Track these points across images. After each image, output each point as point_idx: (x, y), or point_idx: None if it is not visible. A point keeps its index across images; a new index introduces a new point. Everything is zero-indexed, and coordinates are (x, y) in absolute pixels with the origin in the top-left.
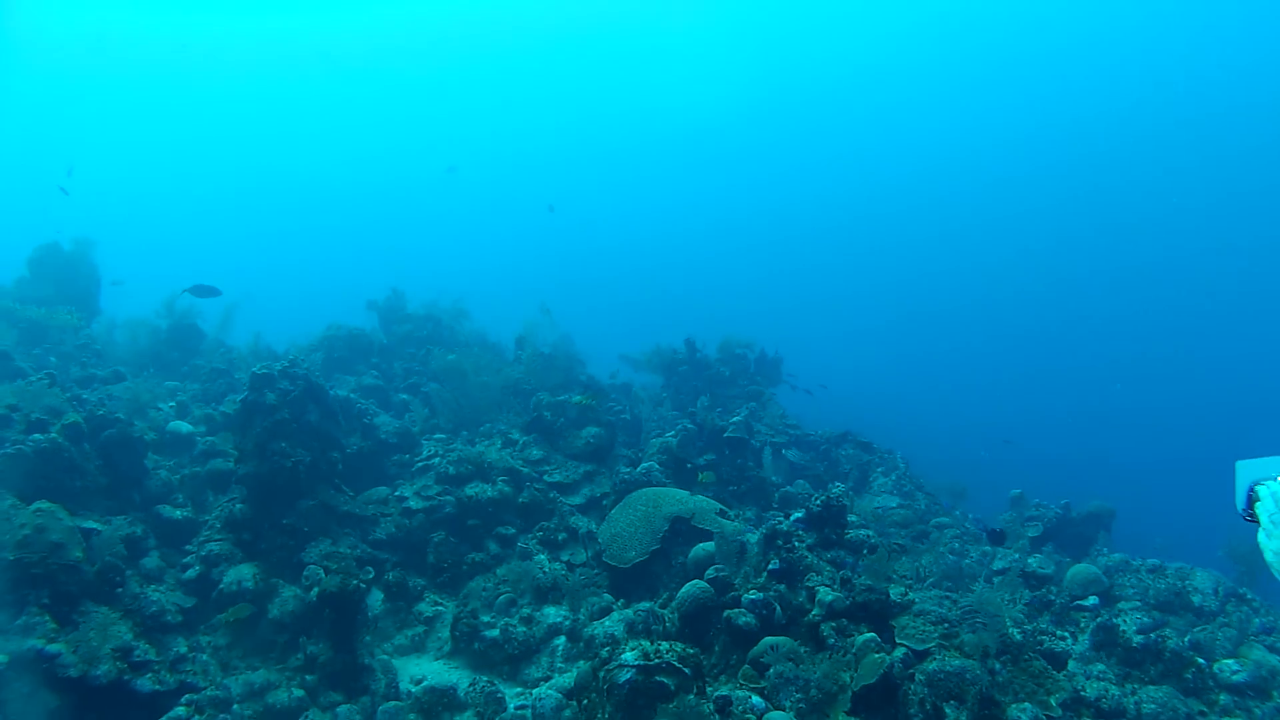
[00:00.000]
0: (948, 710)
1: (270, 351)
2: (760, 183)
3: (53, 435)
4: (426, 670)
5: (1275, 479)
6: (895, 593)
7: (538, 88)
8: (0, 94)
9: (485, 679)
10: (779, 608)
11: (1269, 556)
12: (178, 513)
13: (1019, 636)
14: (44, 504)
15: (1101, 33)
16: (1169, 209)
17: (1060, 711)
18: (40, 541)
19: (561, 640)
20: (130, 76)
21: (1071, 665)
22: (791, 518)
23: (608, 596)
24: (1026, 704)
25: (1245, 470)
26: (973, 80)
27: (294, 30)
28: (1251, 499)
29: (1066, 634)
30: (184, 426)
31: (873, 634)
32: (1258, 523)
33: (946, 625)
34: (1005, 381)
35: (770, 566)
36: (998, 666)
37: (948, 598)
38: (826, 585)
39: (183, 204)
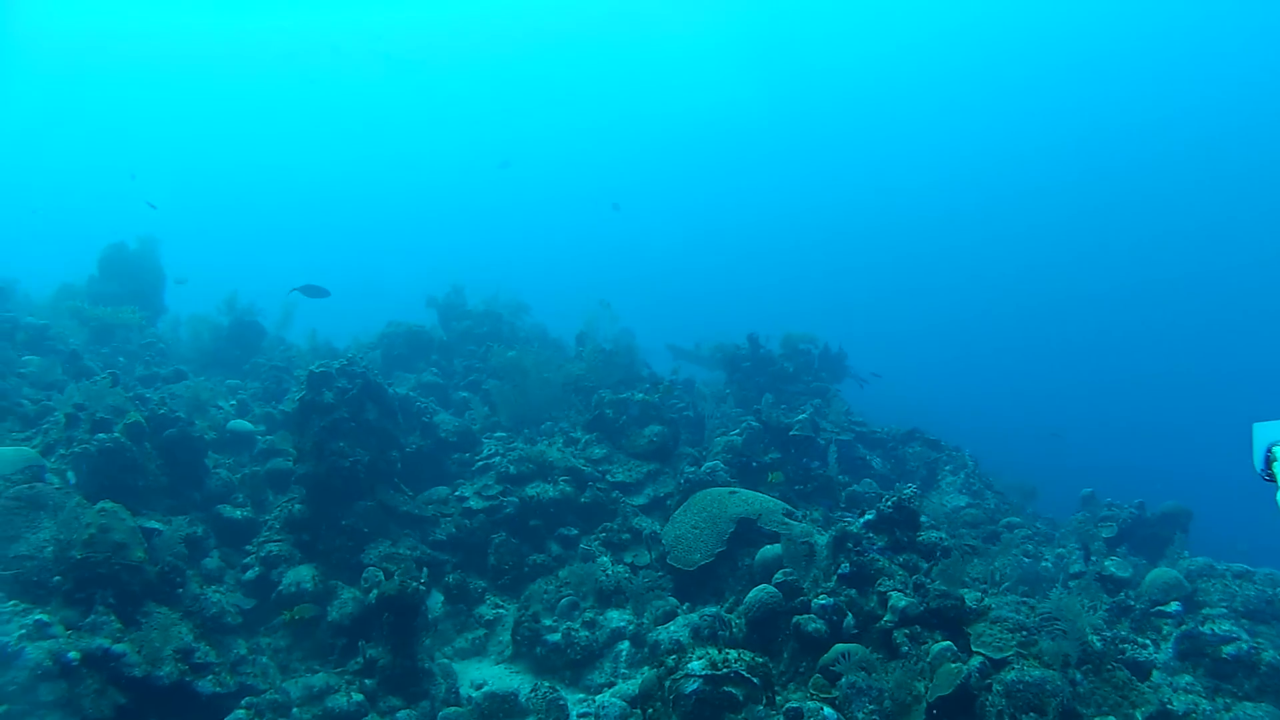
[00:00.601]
0: None
1: (330, 349)
2: (813, 181)
3: (115, 434)
4: (487, 675)
5: None
6: (970, 598)
7: (583, 85)
8: (66, 98)
9: (547, 685)
10: (850, 613)
11: None
12: (238, 513)
13: (1100, 645)
14: (108, 504)
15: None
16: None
17: None
18: (105, 541)
19: (625, 645)
20: (184, 76)
21: (1156, 676)
22: (862, 519)
23: (672, 600)
24: (1111, 717)
25: (1262, 432)
26: (1026, 69)
27: (340, 26)
28: (1269, 459)
29: (1148, 642)
30: (244, 425)
31: (948, 642)
32: (1275, 482)
33: (1024, 633)
34: (1076, 383)
35: (840, 570)
36: (1079, 677)
37: (1024, 603)
38: (899, 590)
39: (243, 204)
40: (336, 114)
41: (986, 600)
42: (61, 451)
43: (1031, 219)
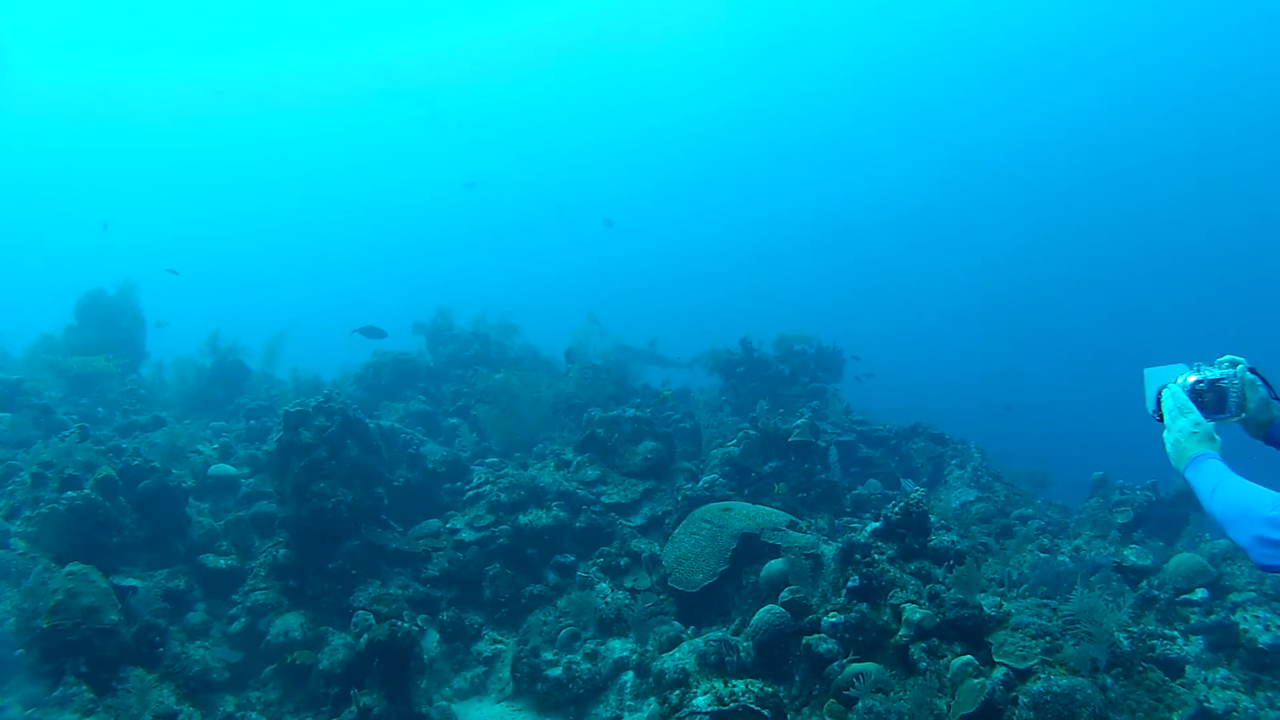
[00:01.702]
0: None
1: (318, 382)
2: (798, 184)
3: (86, 491)
4: (488, 715)
5: (1176, 382)
6: (989, 604)
7: (554, 99)
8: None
9: None
10: (862, 630)
11: (1168, 448)
12: (222, 561)
13: (1128, 644)
14: (76, 566)
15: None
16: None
17: None
18: (73, 606)
19: (629, 676)
20: (146, 120)
21: (1189, 672)
22: (869, 528)
23: (676, 624)
24: None
25: (1153, 376)
26: (1006, 64)
27: (304, 63)
28: (1159, 401)
29: (1176, 634)
30: (227, 469)
31: (968, 656)
32: (1163, 423)
33: (1048, 638)
34: (1069, 361)
35: (850, 584)
36: (1109, 682)
37: (1046, 605)
38: (913, 601)
39: (215, 242)
40: (310, 146)
41: (1006, 605)
42: (28, 513)
43: (1017, 206)
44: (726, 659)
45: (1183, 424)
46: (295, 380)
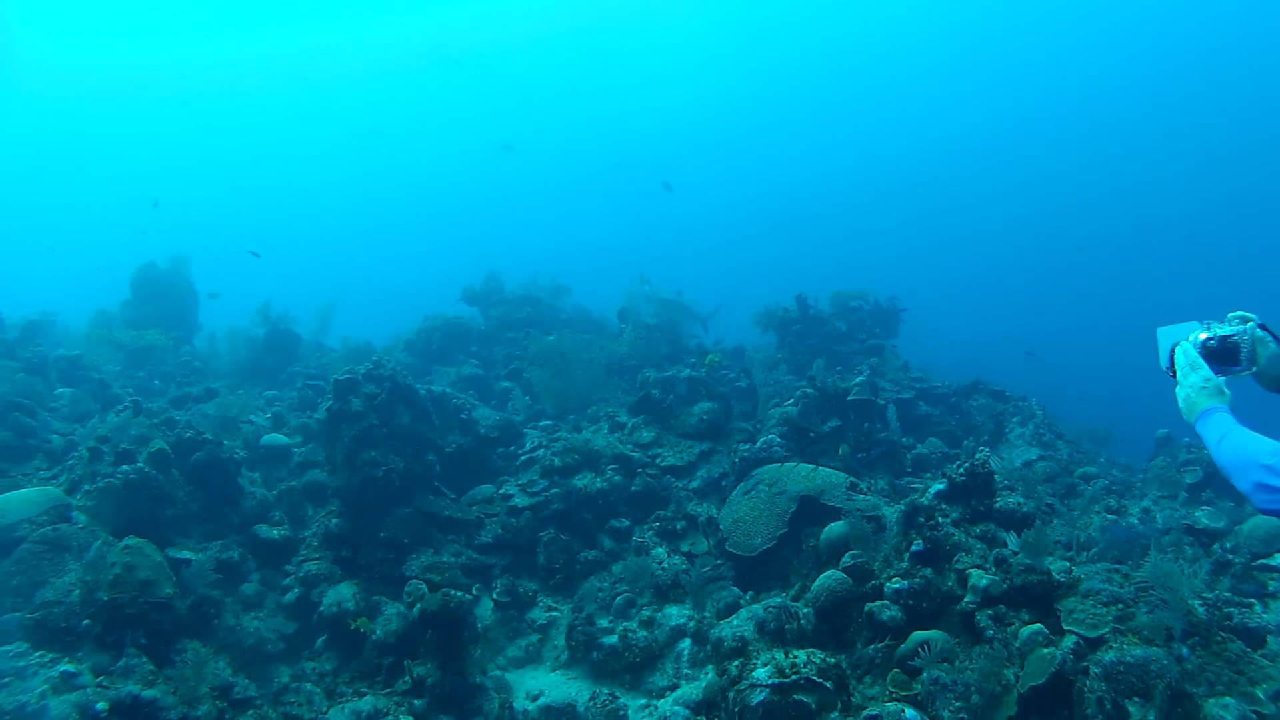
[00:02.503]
0: (1132, 709)
1: (369, 349)
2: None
3: (140, 465)
4: (543, 683)
5: (1188, 339)
6: (1057, 569)
7: (596, 74)
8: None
9: (606, 692)
10: (926, 596)
11: (1180, 403)
12: (275, 532)
13: (1204, 612)
14: (132, 540)
15: None
16: None
17: (1272, 706)
18: (130, 580)
19: (686, 644)
20: (194, 97)
21: (1271, 643)
22: (932, 490)
23: (734, 590)
24: (1228, 698)
25: (1165, 334)
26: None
27: (344, 36)
28: (1172, 358)
29: (1253, 602)
30: (279, 439)
31: (1038, 625)
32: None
33: (1120, 605)
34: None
35: (913, 548)
36: (1185, 652)
37: (1116, 570)
38: (979, 566)
39: (265, 215)
40: (354, 121)
41: (1075, 570)
42: (87, 487)
43: (1079, 159)
44: (786, 626)
45: (1193, 379)
46: (345, 348)
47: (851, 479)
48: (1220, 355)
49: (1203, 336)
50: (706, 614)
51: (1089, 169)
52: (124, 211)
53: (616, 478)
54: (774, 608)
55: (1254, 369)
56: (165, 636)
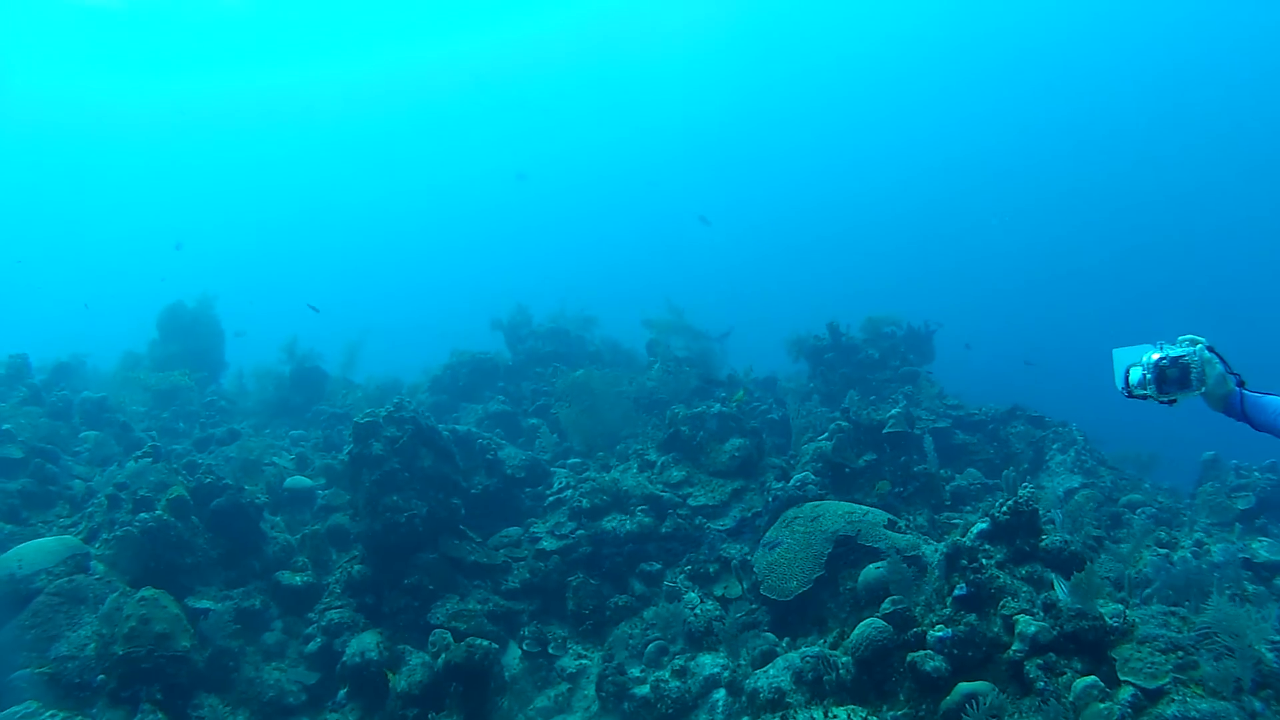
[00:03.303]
0: None
1: (397, 385)
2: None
3: (158, 512)
4: None
5: (1143, 361)
6: (1109, 612)
7: (596, 96)
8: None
9: None
10: (971, 645)
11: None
12: (298, 579)
13: (1275, 661)
14: (148, 591)
15: None
16: None
17: None
18: (146, 633)
19: (721, 695)
20: (212, 133)
21: None
22: (975, 529)
23: (770, 636)
24: None
25: (1121, 356)
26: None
27: (343, 70)
28: (1127, 379)
29: None
30: (303, 481)
31: (1092, 677)
32: (1137, 397)
33: (1180, 653)
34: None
35: (956, 592)
36: (1259, 706)
37: (1173, 614)
38: (1026, 612)
39: (290, 250)
40: (372, 151)
41: (1129, 614)
42: (105, 536)
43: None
44: (825, 677)
45: (1213, 373)
46: (367, 387)
47: (889, 516)
48: (1172, 376)
49: (1155, 357)
50: (741, 662)
51: (1123, 178)
52: (149, 248)
53: (646, 519)
54: (811, 657)
55: (1202, 389)
56: (182, 690)
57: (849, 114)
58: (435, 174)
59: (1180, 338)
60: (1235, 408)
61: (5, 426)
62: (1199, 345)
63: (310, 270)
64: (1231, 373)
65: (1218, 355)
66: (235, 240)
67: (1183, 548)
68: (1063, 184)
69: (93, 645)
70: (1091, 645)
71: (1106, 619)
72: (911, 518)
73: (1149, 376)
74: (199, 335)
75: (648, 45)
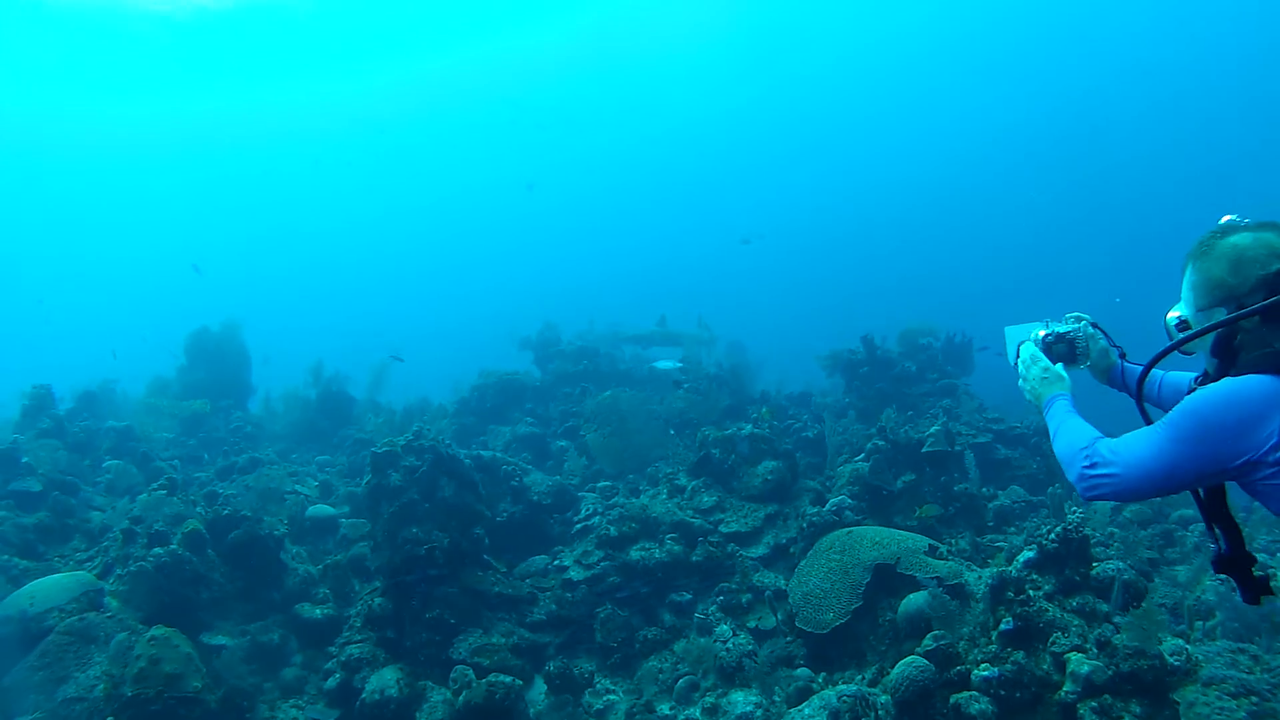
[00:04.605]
0: None
1: (424, 406)
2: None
3: (173, 547)
4: None
5: (1031, 337)
6: (1169, 648)
7: (599, 102)
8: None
9: None
10: (1019, 685)
11: (1026, 395)
12: (318, 611)
13: None
14: (159, 630)
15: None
16: None
17: None
18: (156, 674)
19: None
20: (222, 151)
21: None
22: (1021, 558)
23: (805, 670)
24: None
25: (1012, 333)
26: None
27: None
28: (1019, 355)
29: None
30: (325, 510)
31: None
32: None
33: (1255, 699)
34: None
35: (1002, 627)
36: None
37: (1242, 650)
38: (1078, 649)
39: (311, 273)
40: (389, 162)
41: (1193, 651)
42: (119, 571)
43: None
44: (863, 718)
45: (1035, 371)
46: (393, 410)
47: (930, 542)
48: (1059, 351)
49: (1042, 334)
50: (775, 699)
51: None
52: (172, 268)
53: (676, 547)
54: (849, 696)
55: (1087, 363)
56: None
57: (858, 113)
58: (451, 183)
59: (1067, 315)
60: (1117, 379)
61: (25, 460)
62: (1083, 322)
63: (331, 287)
64: (1114, 345)
65: (1101, 330)
66: (255, 259)
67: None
68: (1092, 174)
69: (101, 686)
70: (1151, 686)
71: (1167, 657)
72: (953, 541)
73: (1038, 351)
74: (225, 360)
75: (656, 50)
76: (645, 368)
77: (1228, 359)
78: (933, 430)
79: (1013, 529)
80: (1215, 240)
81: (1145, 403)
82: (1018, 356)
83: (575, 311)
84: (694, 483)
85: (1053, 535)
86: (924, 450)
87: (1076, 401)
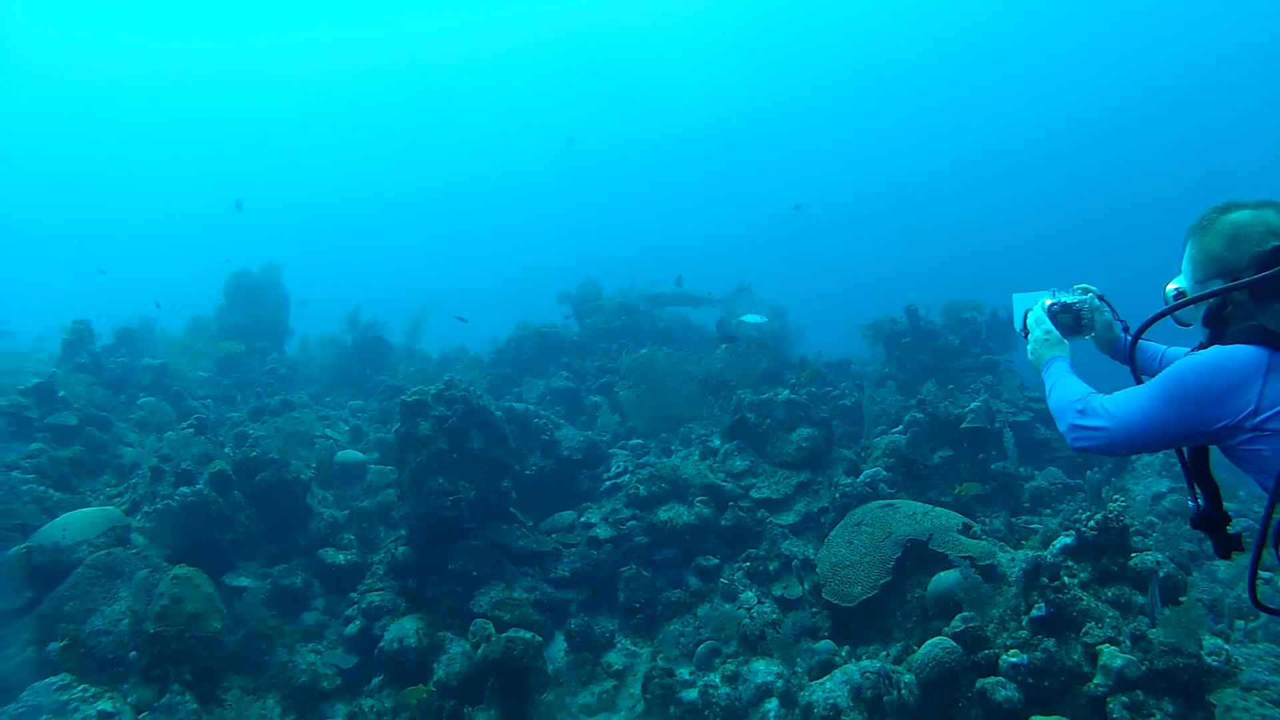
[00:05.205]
0: None
1: (461, 354)
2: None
3: (199, 487)
4: None
5: (1038, 305)
6: (1208, 648)
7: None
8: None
9: None
10: (1048, 674)
11: (1029, 356)
12: (341, 557)
13: None
14: (181, 569)
15: None
16: None
17: None
18: (178, 612)
19: (773, 706)
20: (270, 92)
21: None
22: (1058, 544)
23: (828, 643)
24: None
25: (1020, 300)
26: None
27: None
28: (1025, 322)
29: None
30: (354, 455)
31: None
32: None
33: None
34: None
35: (1034, 613)
36: None
37: None
38: (1111, 640)
39: (356, 217)
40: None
41: (1233, 652)
42: (146, 509)
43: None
44: (885, 697)
45: (1037, 334)
46: (427, 358)
47: (963, 520)
48: (1065, 321)
49: (1049, 303)
50: (798, 670)
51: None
52: (216, 207)
53: (705, 510)
54: (872, 673)
55: (1092, 334)
56: (212, 673)
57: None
58: (497, 141)
59: (1074, 286)
60: (1120, 352)
61: (61, 394)
62: (1090, 294)
63: (384, 244)
64: (1119, 319)
65: (1107, 303)
66: (299, 202)
67: None
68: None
69: (126, 621)
70: (1185, 686)
71: (1205, 656)
72: (987, 520)
73: (1043, 316)
74: (264, 302)
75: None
76: (679, 326)
77: (1218, 330)
78: (973, 406)
79: (1049, 511)
80: (1216, 216)
81: (1144, 375)
82: (1025, 322)
83: (618, 269)
84: (727, 445)
85: (1092, 523)
86: (963, 426)
87: (1075, 364)
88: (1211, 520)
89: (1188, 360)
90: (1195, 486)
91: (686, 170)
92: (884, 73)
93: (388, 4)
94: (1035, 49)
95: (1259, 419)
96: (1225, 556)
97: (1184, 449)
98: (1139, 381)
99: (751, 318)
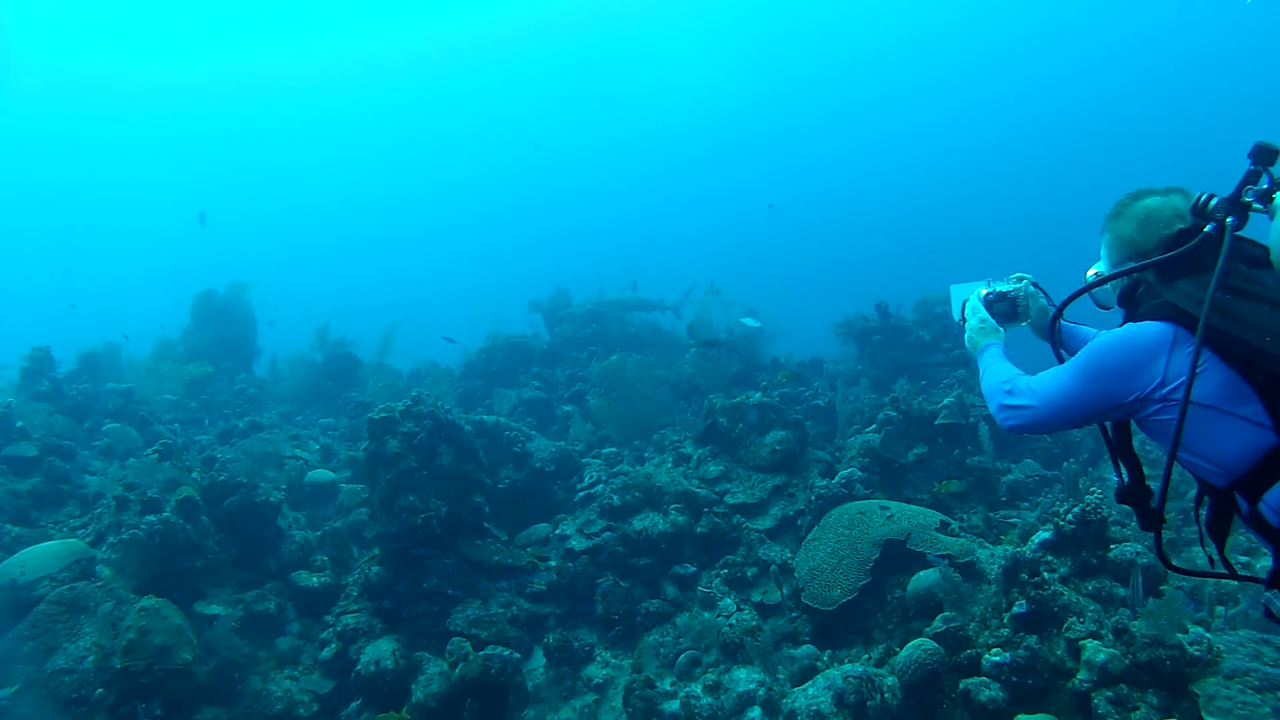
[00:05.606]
0: None
1: (432, 369)
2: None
3: (166, 515)
4: None
5: (974, 294)
6: (1190, 639)
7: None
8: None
9: None
10: (1032, 671)
11: (966, 345)
12: (314, 579)
13: None
14: (149, 601)
15: None
16: None
17: None
18: (145, 645)
19: (756, 714)
20: (229, 111)
21: None
22: (1036, 539)
23: (809, 648)
24: None
25: (957, 290)
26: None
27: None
28: (963, 312)
29: None
30: (325, 475)
31: (1173, 718)
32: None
33: (1278, 694)
34: None
35: (1015, 610)
36: None
37: (1266, 642)
38: (1094, 635)
39: (325, 233)
40: (391, 126)
41: (1214, 640)
42: (112, 539)
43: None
44: (868, 701)
45: (973, 322)
46: (397, 374)
47: (941, 517)
48: (1001, 309)
49: (985, 292)
50: (779, 677)
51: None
52: (179, 228)
53: (680, 518)
54: (854, 677)
55: (1028, 320)
56: (183, 706)
57: (882, 86)
58: (462, 150)
59: (1010, 275)
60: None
61: (19, 424)
62: (1024, 281)
63: (341, 248)
64: (1052, 304)
65: (1042, 290)
66: (264, 221)
67: (1264, 554)
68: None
69: (91, 657)
70: (1169, 677)
71: (1187, 646)
72: (965, 517)
73: (979, 305)
74: (231, 323)
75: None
76: (648, 331)
77: (1131, 309)
78: (946, 402)
79: (1026, 504)
80: (1130, 203)
81: (1065, 353)
82: (963, 312)
83: (590, 276)
84: (700, 451)
85: (1070, 516)
86: (937, 422)
87: (1009, 350)
88: (1135, 495)
89: (1102, 337)
90: (1119, 462)
91: (658, 174)
92: (855, 73)
93: (356, 19)
94: (1009, 46)
95: (1165, 390)
96: (1148, 529)
97: (1107, 426)
98: (1060, 359)
99: (749, 320)
